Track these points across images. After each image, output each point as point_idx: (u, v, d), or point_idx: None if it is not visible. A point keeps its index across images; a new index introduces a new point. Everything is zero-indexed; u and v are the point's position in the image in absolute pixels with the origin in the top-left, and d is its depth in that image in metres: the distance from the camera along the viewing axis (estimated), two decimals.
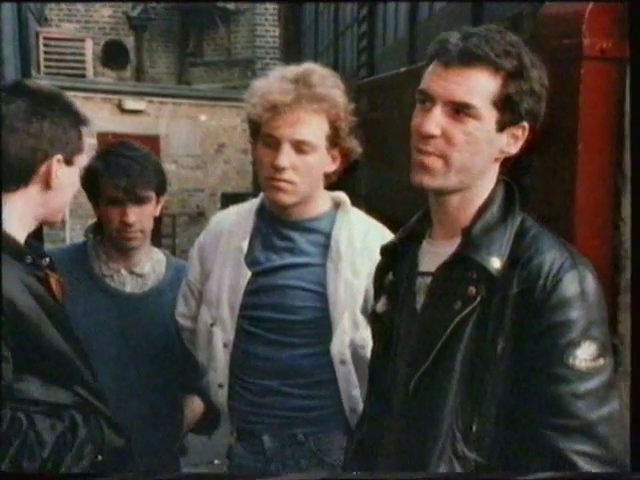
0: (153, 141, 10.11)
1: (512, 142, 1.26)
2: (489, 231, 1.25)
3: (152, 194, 2.05)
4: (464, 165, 1.24)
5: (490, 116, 1.23)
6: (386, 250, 1.43)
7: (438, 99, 1.23)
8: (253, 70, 12.57)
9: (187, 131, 11.25)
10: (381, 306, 1.39)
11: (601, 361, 1.18)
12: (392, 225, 1.84)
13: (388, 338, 1.35)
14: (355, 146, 1.79)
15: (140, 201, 2.02)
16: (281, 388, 1.79)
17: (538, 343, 1.18)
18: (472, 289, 1.23)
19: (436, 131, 1.23)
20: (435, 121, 1.23)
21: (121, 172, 2.01)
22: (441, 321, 1.25)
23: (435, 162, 1.24)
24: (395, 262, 1.39)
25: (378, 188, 3.20)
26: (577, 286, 1.19)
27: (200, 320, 1.88)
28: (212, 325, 1.84)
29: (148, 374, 2.05)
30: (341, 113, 1.73)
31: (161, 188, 2.08)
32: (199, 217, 11.11)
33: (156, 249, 2.20)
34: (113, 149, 2.10)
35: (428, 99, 1.25)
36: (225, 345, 1.82)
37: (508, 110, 1.23)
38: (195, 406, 2.20)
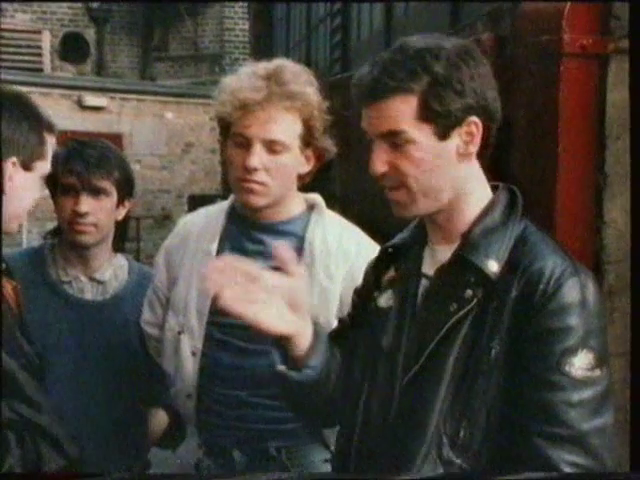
0: (115, 140, 10.03)
1: (469, 140, 1.28)
2: (488, 234, 1.28)
3: (110, 187, 2.02)
4: (426, 187, 1.28)
5: (425, 133, 1.25)
6: (387, 251, 1.45)
7: (374, 136, 1.29)
8: (221, 65, 12.54)
9: (152, 129, 11.19)
10: (385, 300, 1.39)
11: (597, 372, 1.21)
12: (368, 227, 1.86)
13: (393, 333, 1.37)
14: (330, 146, 1.80)
15: (95, 191, 2.00)
16: (252, 399, 1.79)
17: (534, 348, 1.21)
18: (469, 291, 1.25)
19: (383, 168, 1.28)
20: (379, 159, 1.28)
21: (77, 157, 1.99)
22: (436, 323, 1.27)
23: (399, 194, 1.29)
24: (397, 261, 1.42)
25: (353, 189, 3.22)
26: (578, 293, 1.21)
27: (167, 327, 1.88)
28: (180, 333, 1.84)
29: (109, 386, 2.04)
30: (315, 111, 1.74)
31: (124, 185, 2.06)
32: (165, 220, 11.05)
33: (118, 254, 2.18)
34: (77, 139, 2.09)
35: (369, 137, 1.30)
36: (193, 353, 1.82)
37: (440, 119, 1.25)
38: (160, 419, 2.19)
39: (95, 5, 12.87)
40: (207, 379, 1.82)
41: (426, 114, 1.24)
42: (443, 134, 1.26)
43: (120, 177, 2.05)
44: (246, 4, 11.31)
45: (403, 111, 1.25)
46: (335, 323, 1.75)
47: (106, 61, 13.21)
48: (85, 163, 1.99)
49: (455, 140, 1.27)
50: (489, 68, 1.29)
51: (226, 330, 1.80)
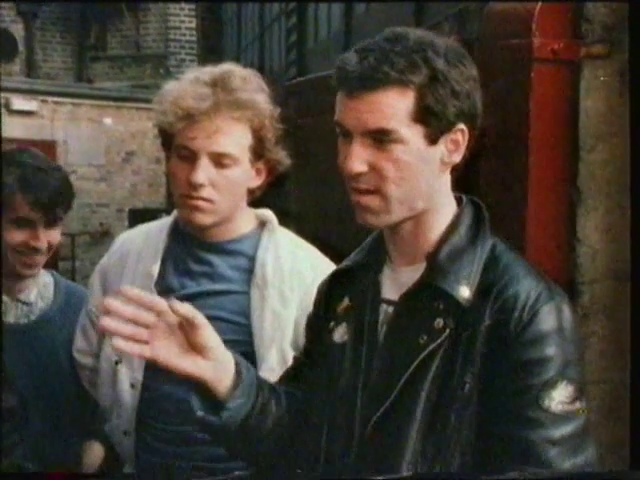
0: (48, 148, 9.93)
1: (453, 149, 1.28)
2: (457, 256, 1.28)
3: (63, 214, 2.04)
4: (406, 194, 1.27)
5: (415, 134, 1.25)
6: (339, 274, 1.44)
7: (354, 132, 1.26)
8: (166, 67, 12.51)
9: (89, 137, 11.10)
10: (341, 335, 1.39)
11: (577, 404, 1.22)
12: (326, 247, 1.87)
13: (350, 371, 1.36)
14: (283, 157, 1.82)
15: (54, 222, 2.02)
16: (198, 435, 1.78)
17: (510, 382, 1.22)
18: (439, 321, 1.25)
19: (361, 168, 1.26)
20: (358, 157, 1.25)
21: (40, 187, 1.99)
22: (404, 356, 1.27)
23: (372, 200, 1.27)
24: (351, 287, 1.41)
25: (309, 204, 3.23)
26: (554, 320, 1.23)
27: (103, 357, 1.87)
28: (117, 363, 1.83)
29: (37, 416, 2.01)
30: (266, 121, 1.75)
31: (69, 207, 2.09)
32: (103, 237, 10.96)
33: (42, 271, 2.18)
34: (15, 158, 2.08)
35: (346, 132, 1.28)
36: (132, 385, 1.82)
37: (433, 121, 1.25)
38: (94, 453, 2.17)
39: None
40: (148, 413, 1.82)
41: (421, 113, 1.24)
42: (433, 138, 1.26)
43: (70, 199, 2.07)
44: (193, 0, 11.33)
45: (397, 107, 1.23)
46: (290, 352, 1.76)
47: (36, 60, 13.08)
48: (47, 193, 1.98)
49: (441, 147, 1.28)
50: (477, 73, 1.30)
51: None
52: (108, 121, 11.28)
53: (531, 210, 1.80)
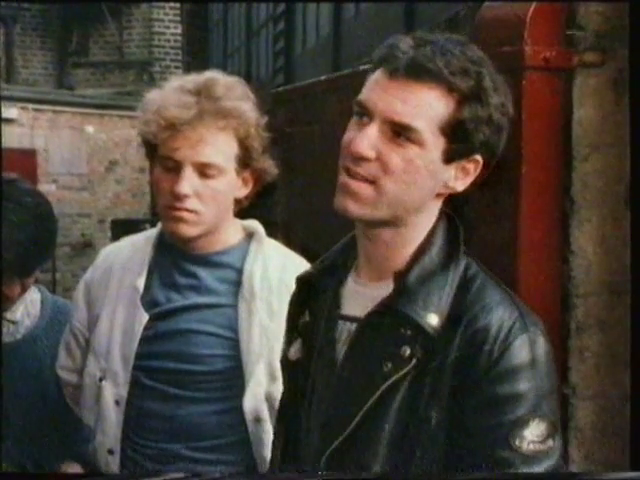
0: (28, 157, 9.91)
1: (460, 177, 1.26)
2: (427, 280, 1.24)
3: (39, 264, 2.10)
4: (399, 197, 1.23)
5: (436, 144, 1.21)
6: (302, 282, 1.41)
7: (377, 115, 1.21)
8: (150, 73, 12.52)
9: (70, 145, 11.09)
10: (295, 352, 1.38)
11: (550, 442, 1.20)
12: (314, 258, 1.88)
13: (302, 389, 1.35)
14: (270, 167, 1.82)
15: (27, 275, 2.05)
16: (184, 452, 1.79)
17: (479, 419, 1.19)
18: (406, 349, 1.22)
19: (370, 153, 1.21)
20: (370, 141, 1.21)
21: (10, 243, 2.00)
22: (366, 382, 1.24)
23: (365, 188, 1.22)
24: (311, 299, 1.38)
25: (298, 215, 3.24)
26: (527, 353, 1.20)
27: (87, 373, 1.87)
28: (101, 379, 1.84)
29: (18, 437, 2.02)
30: (252, 129, 1.76)
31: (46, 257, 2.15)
32: (85, 248, 10.93)
33: (31, 287, 2.18)
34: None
35: (366, 113, 1.23)
36: (117, 402, 1.82)
37: (459, 139, 1.22)
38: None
39: (1, 2, 12.74)
40: (133, 431, 1.82)
41: (451, 126, 1.21)
42: (449, 158, 1.23)
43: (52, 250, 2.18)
44: (178, 5, 11.35)
45: (433, 108, 1.20)
46: (279, 366, 1.77)
47: (16, 66, 13.07)
48: (17, 250, 2.01)
49: (451, 171, 1.24)
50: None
51: (155, 375, 1.80)
52: (90, 129, 11.28)
53: (523, 221, 1.81)
